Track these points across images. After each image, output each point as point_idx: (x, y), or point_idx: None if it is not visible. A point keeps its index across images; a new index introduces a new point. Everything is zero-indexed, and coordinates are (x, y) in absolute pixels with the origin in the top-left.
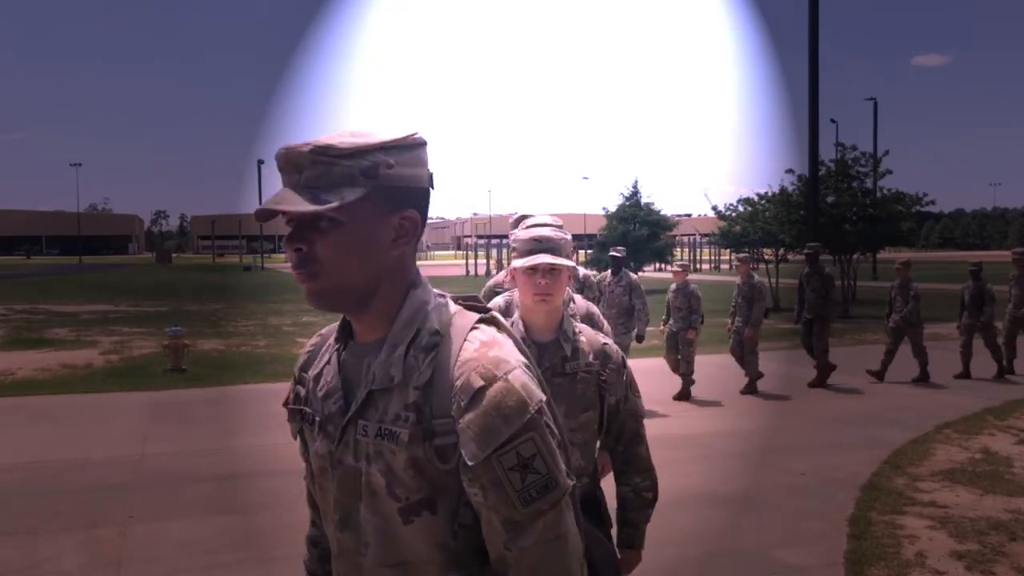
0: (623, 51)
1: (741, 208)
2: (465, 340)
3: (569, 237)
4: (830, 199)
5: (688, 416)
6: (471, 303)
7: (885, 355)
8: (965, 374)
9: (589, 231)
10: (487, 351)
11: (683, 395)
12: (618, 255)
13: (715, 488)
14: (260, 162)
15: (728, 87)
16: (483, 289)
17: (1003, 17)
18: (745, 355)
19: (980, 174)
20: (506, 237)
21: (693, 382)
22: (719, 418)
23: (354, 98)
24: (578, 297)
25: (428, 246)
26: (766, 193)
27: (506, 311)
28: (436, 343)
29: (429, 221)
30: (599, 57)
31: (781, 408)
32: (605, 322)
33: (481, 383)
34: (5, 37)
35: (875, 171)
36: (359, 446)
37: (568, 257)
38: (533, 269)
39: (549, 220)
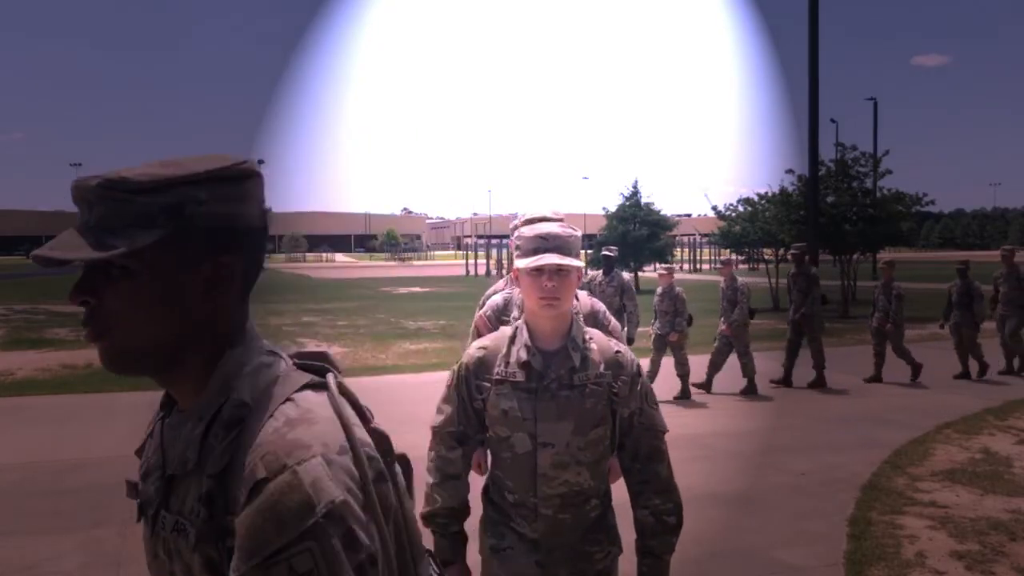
0: (623, 51)
1: (741, 208)
2: (271, 415)
3: (578, 234)
4: (830, 199)
5: (688, 416)
6: (310, 362)
7: (875, 357)
8: (965, 374)
9: (589, 231)
10: (287, 432)
11: (683, 394)
12: (610, 254)
13: (715, 488)
14: (260, 162)
15: (728, 87)
16: (483, 296)
17: (1003, 17)
18: (739, 356)
19: (980, 174)
20: (506, 237)
21: (648, 385)
22: (719, 418)
23: (354, 97)
24: (582, 294)
25: (428, 246)
26: (766, 193)
27: (504, 309)
28: (241, 418)
29: (430, 221)
30: (599, 56)
31: (780, 408)
32: (612, 319)
33: (263, 475)
34: (5, 36)
35: (875, 171)
36: (165, 540)
37: (577, 256)
38: (538, 270)
39: (552, 216)
